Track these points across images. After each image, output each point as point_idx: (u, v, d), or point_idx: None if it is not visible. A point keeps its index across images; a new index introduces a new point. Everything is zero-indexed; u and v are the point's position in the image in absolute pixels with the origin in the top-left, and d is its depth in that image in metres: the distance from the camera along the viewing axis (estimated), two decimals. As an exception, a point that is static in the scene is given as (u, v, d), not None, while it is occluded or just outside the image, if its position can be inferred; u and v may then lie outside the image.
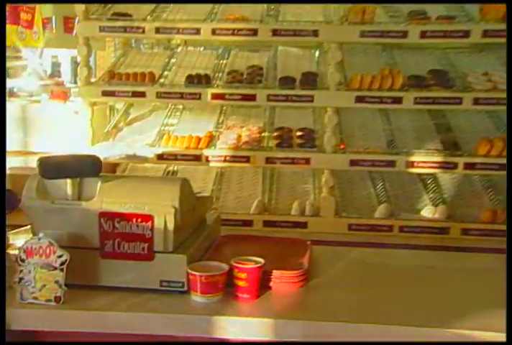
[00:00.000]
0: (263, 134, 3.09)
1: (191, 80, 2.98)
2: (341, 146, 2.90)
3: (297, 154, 2.86)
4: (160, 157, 2.96)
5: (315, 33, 2.80)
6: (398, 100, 2.76)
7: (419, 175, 3.04)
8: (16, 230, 1.93)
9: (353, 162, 2.81)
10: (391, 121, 3.12)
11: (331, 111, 2.85)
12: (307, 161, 2.85)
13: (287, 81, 2.90)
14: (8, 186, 3.40)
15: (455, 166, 2.74)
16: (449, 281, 1.71)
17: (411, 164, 2.77)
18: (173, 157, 2.96)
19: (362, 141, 2.95)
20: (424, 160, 2.77)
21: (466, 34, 2.70)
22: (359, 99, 2.78)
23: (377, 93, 2.77)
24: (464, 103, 2.72)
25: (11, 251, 1.64)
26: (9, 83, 4.51)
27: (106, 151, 2.95)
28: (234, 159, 2.90)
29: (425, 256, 1.95)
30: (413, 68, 3.02)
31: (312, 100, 2.82)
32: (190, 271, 1.54)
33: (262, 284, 1.59)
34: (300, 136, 3.02)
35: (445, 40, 2.76)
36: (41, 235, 1.53)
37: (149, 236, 1.56)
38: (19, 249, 1.54)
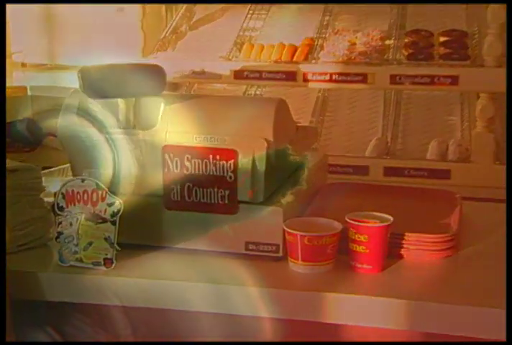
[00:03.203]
0: (388, 42, 3.06)
1: (283, -40, 2.98)
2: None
3: (439, 70, 2.83)
4: (238, 75, 3.01)
5: None
6: None
7: None
8: (50, 169, 2.04)
9: (526, 82, 2.76)
10: None
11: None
12: (454, 80, 2.82)
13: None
14: (28, 114, 3.58)
15: None
16: None
17: None
18: (256, 75, 3.00)
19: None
20: None
21: None
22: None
23: None
24: None
25: (44, 198, 1.74)
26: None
27: (163, 65, 3.01)
28: (344, 77, 2.91)
29: None
30: None
31: (466, -13, 2.76)
32: (288, 229, 1.59)
33: (390, 251, 1.62)
34: (444, 43, 2.98)
35: None
36: (85, 175, 1.62)
37: (231, 180, 1.61)
38: (56, 194, 1.63)
